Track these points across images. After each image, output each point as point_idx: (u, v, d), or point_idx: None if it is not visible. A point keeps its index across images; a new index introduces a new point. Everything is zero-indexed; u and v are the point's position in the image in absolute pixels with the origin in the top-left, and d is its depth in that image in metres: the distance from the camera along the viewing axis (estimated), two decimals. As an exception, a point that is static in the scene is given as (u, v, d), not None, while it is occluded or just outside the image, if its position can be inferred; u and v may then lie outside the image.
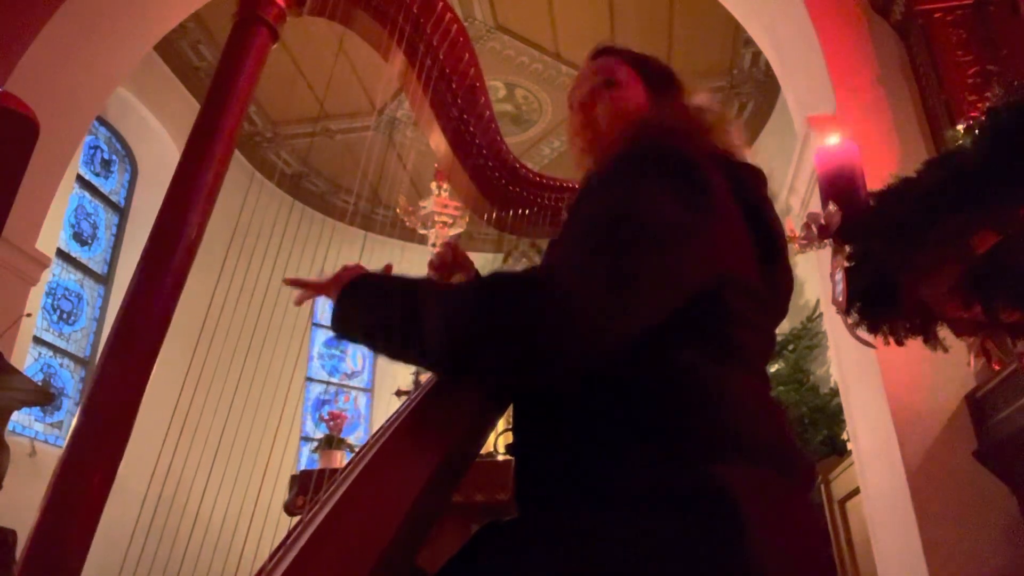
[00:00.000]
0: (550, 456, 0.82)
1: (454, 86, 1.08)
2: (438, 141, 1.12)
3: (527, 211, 1.15)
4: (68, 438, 0.62)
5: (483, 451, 3.16)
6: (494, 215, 1.16)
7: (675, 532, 0.69)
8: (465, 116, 1.09)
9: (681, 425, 0.76)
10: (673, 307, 0.77)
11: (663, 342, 0.78)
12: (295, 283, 1.00)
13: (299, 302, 1.01)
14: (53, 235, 4.26)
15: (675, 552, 0.68)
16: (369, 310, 0.86)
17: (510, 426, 0.92)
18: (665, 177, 0.80)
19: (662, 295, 0.76)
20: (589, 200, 0.83)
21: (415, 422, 0.85)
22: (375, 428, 0.92)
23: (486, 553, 0.78)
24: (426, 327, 0.77)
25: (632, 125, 0.98)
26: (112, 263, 5.39)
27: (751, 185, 0.91)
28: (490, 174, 1.12)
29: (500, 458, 3.13)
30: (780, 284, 0.93)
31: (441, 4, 1.04)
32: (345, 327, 0.89)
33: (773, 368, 4.68)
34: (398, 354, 0.85)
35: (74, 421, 0.63)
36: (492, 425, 0.96)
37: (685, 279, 0.78)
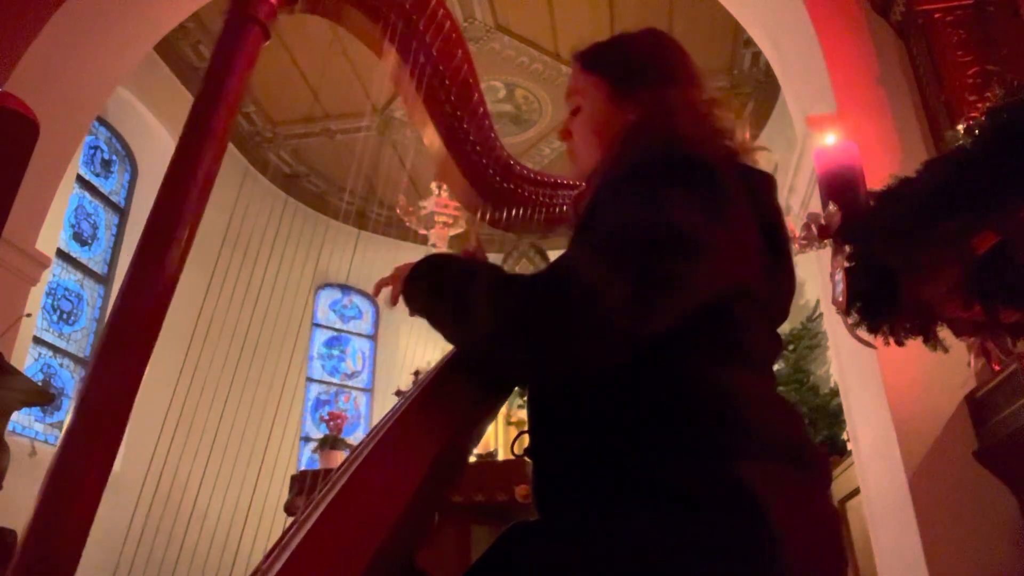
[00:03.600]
0: (570, 458, 0.83)
1: (447, 82, 1.07)
2: (432, 138, 1.11)
3: (522, 209, 1.15)
4: (61, 437, 0.62)
5: (483, 451, 3.17)
6: (489, 213, 1.15)
7: (697, 529, 0.70)
8: (458, 113, 1.08)
9: (696, 424, 0.77)
10: (686, 313, 0.78)
11: (673, 347, 0.79)
12: (379, 288, 1.01)
13: (377, 292, 1.02)
14: (53, 235, 4.26)
15: (699, 549, 0.69)
16: (430, 287, 0.90)
17: (525, 429, 0.93)
18: (687, 187, 0.80)
19: (679, 301, 0.77)
20: (607, 207, 0.83)
21: (410, 420, 0.85)
22: (375, 428, 0.92)
23: (515, 554, 0.79)
24: (475, 308, 0.79)
25: (632, 132, 0.96)
26: (112, 263, 5.39)
27: (764, 193, 0.92)
28: (484, 171, 1.12)
29: (500, 458, 3.12)
30: (784, 288, 0.94)
31: (434, 0, 1.04)
32: (411, 305, 0.93)
33: (774, 368, 4.68)
34: (447, 328, 0.87)
35: (67, 420, 0.63)
36: (488, 422, 0.96)
37: (702, 288, 0.79)
